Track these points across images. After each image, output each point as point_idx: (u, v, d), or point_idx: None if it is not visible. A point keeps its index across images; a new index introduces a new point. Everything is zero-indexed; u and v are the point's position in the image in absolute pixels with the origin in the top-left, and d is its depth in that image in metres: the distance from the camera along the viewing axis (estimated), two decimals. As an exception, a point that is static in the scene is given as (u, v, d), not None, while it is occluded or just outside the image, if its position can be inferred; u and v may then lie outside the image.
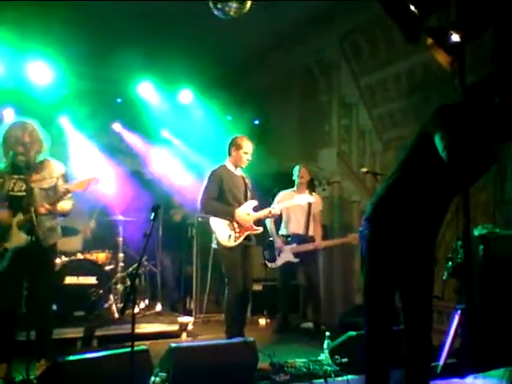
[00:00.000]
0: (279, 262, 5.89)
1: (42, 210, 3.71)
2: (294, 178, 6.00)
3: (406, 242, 2.70)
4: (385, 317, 2.75)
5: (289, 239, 5.90)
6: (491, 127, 2.51)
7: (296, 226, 5.93)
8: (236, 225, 4.71)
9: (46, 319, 3.92)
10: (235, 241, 4.68)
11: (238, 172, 4.93)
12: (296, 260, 5.79)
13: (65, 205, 3.95)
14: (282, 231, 6.02)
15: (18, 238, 3.71)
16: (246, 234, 4.72)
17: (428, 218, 2.71)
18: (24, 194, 3.74)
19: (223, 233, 4.70)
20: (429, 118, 2.75)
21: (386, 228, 2.71)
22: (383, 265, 2.73)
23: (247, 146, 4.84)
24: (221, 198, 4.75)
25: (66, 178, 4.00)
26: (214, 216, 4.76)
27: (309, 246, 5.80)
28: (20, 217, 3.74)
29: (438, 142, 2.50)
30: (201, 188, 4.81)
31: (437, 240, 2.84)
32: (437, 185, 2.65)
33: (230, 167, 4.88)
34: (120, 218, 6.48)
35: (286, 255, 5.83)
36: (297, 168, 6.02)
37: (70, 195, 3.90)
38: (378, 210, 2.78)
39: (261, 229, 4.85)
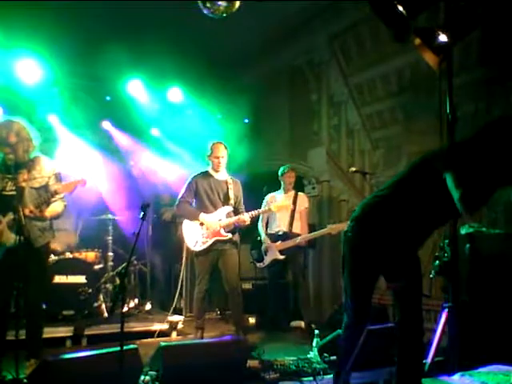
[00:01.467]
0: (266, 261, 5.90)
1: (27, 212, 3.66)
2: (279, 178, 6.03)
3: (389, 249, 2.80)
4: (365, 314, 2.91)
5: (273, 237, 5.91)
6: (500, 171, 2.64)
7: (280, 223, 5.95)
8: (204, 229, 4.83)
9: (36, 319, 3.91)
10: (201, 245, 4.81)
11: (221, 176, 5.04)
12: (282, 257, 5.78)
13: (56, 207, 3.93)
14: (269, 230, 6.04)
15: (8, 238, 3.70)
16: (214, 239, 4.81)
17: (414, 234, 2.83)
18: (14, 193, 3.71)
19: (190, 238, 4.89)
20: (438, 150, 2.92)
21: (370, 233, 2.81)
22: (364, 265, 2.84)
23: (217, 150, 4.97)
24: (197, 201, 4.96)
25: (58, 177, 3.96)
26: (184, 218, 5.01)
27: (291, 242, 5.78)
28: (10, 216, 3.72)
29: (449, 182, 2.60)
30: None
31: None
32: (428, 211, 2.77)
33: (212, 172, 5.04)
34: (109, 216, 6.48)
35: (273, 253, 5.84)
36: (281, 170, 6.04)
37: (61, 196, 3.90)
38: (365, 215, 2.86)
39: (229, 235, 4.87)
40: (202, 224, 4.84)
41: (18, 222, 3.57)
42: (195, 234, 4.85)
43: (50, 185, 3.86)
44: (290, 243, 5.77)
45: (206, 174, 5.03)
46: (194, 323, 5.01)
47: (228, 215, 4.90)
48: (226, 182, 5.01)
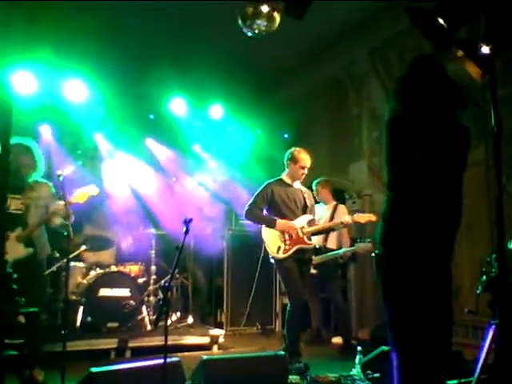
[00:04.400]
0: None
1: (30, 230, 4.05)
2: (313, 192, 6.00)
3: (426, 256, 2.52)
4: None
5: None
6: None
7: (315, 237, 5.89)
8: (287, 237, 4.74)
9: (37, 330, 4.05)
10: (284, 253, 4.70)
11: (297, 185, 4.97)
12: (315, 271, 5.71)
13: (55, 220, 4.22)
14: None
15: (17, 251, 3.95)
16: (297, 247, 4.72)
17: (442, 223, 2.56)
18: (21, 212, 4.08)
19: (273, 244, 4.75)
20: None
21: (405, 250, 2.50)
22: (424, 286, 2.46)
23: (304, 159, 4.88)
24: (274, 209, 4.83)
25: (54, 196, 4.28)
26: (255, 222, 4.93)
27: (324, 258, 5.70)
28: (19, 231, 4.03)
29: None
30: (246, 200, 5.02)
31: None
32: (433, 188, 2.54)
33: (287, 180, 4.94)
34: (153, 231, 6.60)
35: None
36: (313, 185, 5.98)
37: (61, 213, 4.12)
38: (389, 232, 2.57)
39: (313, 243, 4.88)
40: (283, 232, 4.74)
41: (29, 238, 4.03)
42: (277, 241, 4.74)
43: (50, 204, 4.19)
44: (322, 258, 5.71)
45: (281, 182, 4.93)
46: (284, 350, 4.43)
47: (310, 224, 4.85)
48: (301, 192, 4.96)
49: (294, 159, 4.87)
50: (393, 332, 2.50)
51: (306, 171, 4.89)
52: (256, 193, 4.89)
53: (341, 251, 5.71)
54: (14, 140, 4.12)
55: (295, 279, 4.67)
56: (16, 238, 4.02)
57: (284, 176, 4.96)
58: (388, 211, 2.59)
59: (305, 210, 4.89)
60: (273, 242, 4.76)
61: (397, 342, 2.49)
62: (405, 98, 2.62)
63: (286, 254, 4.69)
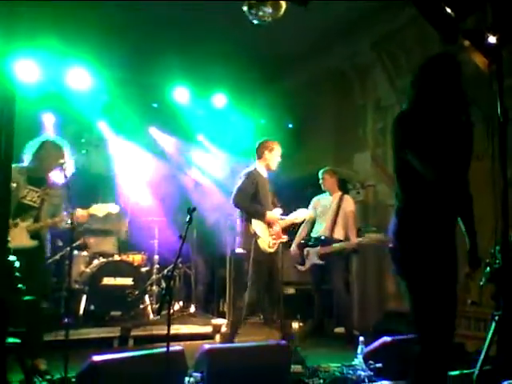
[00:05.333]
0: (307, 264, 5.86)
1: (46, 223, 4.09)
2: (320, 182, 5.99)
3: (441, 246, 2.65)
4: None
5: (314, 241, 5.84)
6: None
7: (322, 228, 5.88)
8: (273, 231, 4.69)
9: (38, 318, 4.05)
10: (271, 248, 4.65)
11: (267, 176, 4.88)
12: (321, 262, 5.70)
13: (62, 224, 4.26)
14: (312, 234, 5.98)
15: (21, 240, 3.93)
16: (279, 241, 4.70)
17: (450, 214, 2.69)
18: (35, 205, 4.09)
19: (265, 237, 4.64)
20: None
21: (421, 242, 2.62)
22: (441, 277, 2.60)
23: (279, 147, 4.83)
24: (256, 200, 4.67)
25: (67, 200, 4.25)
26: (243, 210, 4.68)
27: (331, 248, 5.66)
28: (29, 222, 4.03)
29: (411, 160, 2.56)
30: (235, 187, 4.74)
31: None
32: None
33: (262, 170, 4.81)
34: (155, 219, 6.60)
35: (313, 258, 5.80)
36: (320, 172, 5.98)
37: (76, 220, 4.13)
38: (402, 226, 2.72)
39: (286, 238, 4.85)
40: (269, 224, 4.65)
41: (39, 232, 4.07)
42: (267, 235, 4.65)
43: (62, 205, 4.20)
44: (329, 249, 5.69)
45: (257, 171, 4.77)
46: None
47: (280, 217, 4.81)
48: (268, 182, 4.88)
49: (270, 148, 4.78)
50: (417, 320, 2.60)
51: (279, 160, 4.82)
52: (244, 182, 4.66)
53: (353, 242, 5.70)
54: (48, 137, 4.28)
55: (264, 276, 4.63)
56: (26, 227, 4.02)
57: (258, 166, 4.81)
58: (399, 207, 2.75)
59: (274, 201, 4.84)
60: (265, 235, 4.64)
61: (422, 331, 2.59)
62: (421, 88, 2.68)
63: (273, 249, 4.64)
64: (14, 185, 3.94)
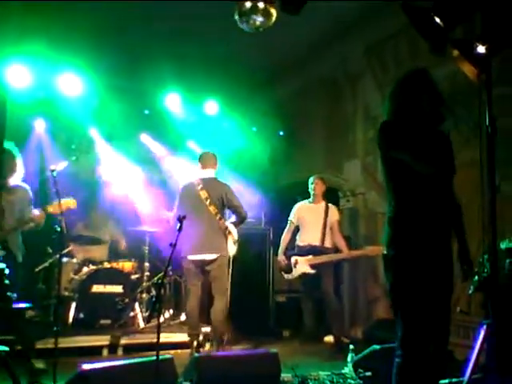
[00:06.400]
0: (295, 273, 5.83)
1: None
2: (309, 189, 6.00)
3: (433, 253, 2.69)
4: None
5: (303, 250, 5.83)
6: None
7: (312, 237, 5.86)
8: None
9: (22, 324, 4.07)
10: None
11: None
12: (312, 271, 5.67)
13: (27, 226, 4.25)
14: (298, 242, 5.97)
15: None
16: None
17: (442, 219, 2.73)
18: None
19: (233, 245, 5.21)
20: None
21: (413, 250, 2.65)
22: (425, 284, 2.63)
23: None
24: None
25: (30, 201, 4.29)
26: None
27: (326, 258, 5.69)
28: None
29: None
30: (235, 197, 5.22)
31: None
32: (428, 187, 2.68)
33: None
34: (146, 228, 6.57)
35: (302, 267, 5.75)
36: (310, 179, 6.00)
37: (37, 220, 4.14)
38: (394, 234, 2.73)
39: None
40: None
41: (5, 240, 3.99)
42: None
43: (26, 209, 4.19)
44: (323, 258, 5.69)
45: None
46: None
47: None
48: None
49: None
50: (403, 328, 2.61)
51: None
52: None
53: (346, 253, 5.76)
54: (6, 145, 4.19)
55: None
56: None
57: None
58: (391, 216, 2.75)
59: None
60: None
61: (405, 339, 2.60)
62: (398, 102, 2.82)
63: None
64: None
